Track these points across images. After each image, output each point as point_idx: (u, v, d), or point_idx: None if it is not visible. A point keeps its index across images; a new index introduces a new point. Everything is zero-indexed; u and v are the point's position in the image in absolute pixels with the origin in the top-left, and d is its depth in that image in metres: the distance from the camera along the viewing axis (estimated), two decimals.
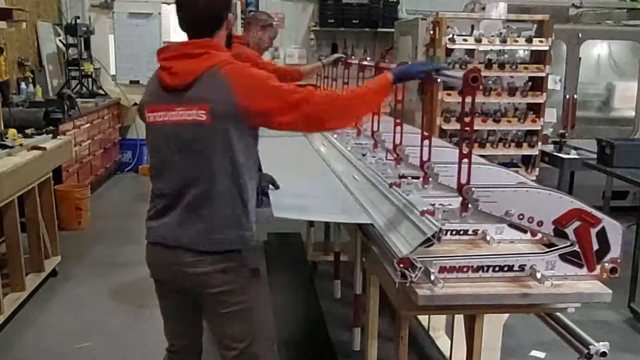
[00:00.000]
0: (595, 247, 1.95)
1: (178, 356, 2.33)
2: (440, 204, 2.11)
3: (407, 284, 1.89)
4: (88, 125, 6.62)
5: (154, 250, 2.15)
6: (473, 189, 1.93)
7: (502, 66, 4.84)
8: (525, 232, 2.20)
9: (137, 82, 8.09)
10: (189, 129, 2.02)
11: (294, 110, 2.01)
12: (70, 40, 7.50)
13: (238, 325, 2.17)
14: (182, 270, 2.09)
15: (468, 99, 1.92)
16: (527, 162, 5.17)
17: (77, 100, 6.30)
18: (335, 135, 3.73)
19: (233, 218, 2.06)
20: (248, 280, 2.16)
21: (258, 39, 4.38)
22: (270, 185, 2.67)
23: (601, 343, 1.92)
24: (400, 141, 2.73)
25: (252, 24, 4.47)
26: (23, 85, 6.25)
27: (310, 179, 3.13)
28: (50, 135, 4.50)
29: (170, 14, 8.60)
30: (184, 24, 2.10)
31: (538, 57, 4.91)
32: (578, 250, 1.94)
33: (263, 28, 4.43)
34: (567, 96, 6.05)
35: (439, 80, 2.20)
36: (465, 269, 1.92)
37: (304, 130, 2.28)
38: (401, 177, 2.52)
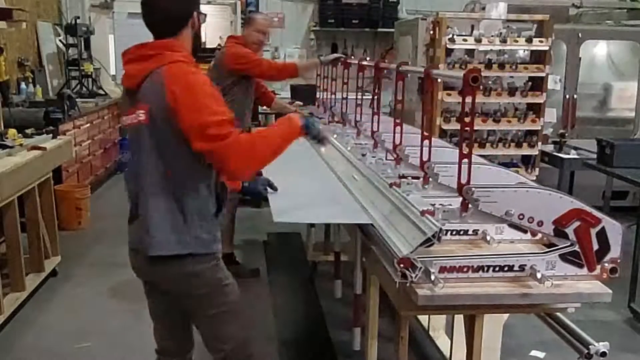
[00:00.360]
0: (595, 247, 1.95)
1: (166, 358, 2.36)
2: (440, 204, 2.11)
3: (407, 284, 1.89)
4: (88, 125, 6.61)
5: (130, 255, 2.21)
6: (473, 189, 1.93)
7: (502, 66, 4.84)
8: (525, 232, 2.20)
9: None
10: (136, 130, 2.04)
11: (208, 141, 1.93)
12: (70, 40, 7.50)
13: (221, 329, 2.19)
14: (152, 274, 2.16)
15: (468, 99, 1.93)
16: (527, 162, 5.17)
17: (77, 100, 6.30)
18: (335, 135, 3.73)
19: (168, 222, 2.03)
20: (218, 285, 2.15)
21: (255, 38, 4.42)
22: (269, 188, 2.66)
23: (601, 343, 1.92)
24: (400, 141, 2.73)
25: (247, 23, 4.58)
26: (23, 85, 6.25)
27: (310, 179, 3.13)
28: (50, 135, 4.50)
29: None
30: (147, 25, 2.09)
31: (538, 57, 4.91)
32: (578, 250, 1.94)
33: (250, 26, 4.48)
34: (567, 96, 6.05)
35: None
36: (465, 269, 1.92)
37: (216, 167, 2.08)
38: (401, 177, 2.52)
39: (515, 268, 1.95)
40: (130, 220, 2.17)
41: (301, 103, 5.16)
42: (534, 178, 4.69)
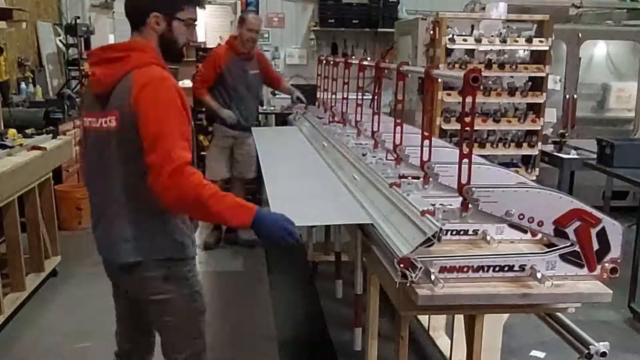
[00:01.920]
0: (596, 247, 1.95)
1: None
2: (441, 204, 2.11)
3: (408, 284, 1.89)
4: None
5: (103, 260, 2.22)
6: (473, 189, 1.93)
7: (502, 66, 4.84)
8: (525, 232, 2.20)
9: None
10: (103, 135, 1.99)
11: (161, 160, 1.86)
12: (70, 40, 7.50)
13: (172, 336, 2.19)
14: (116, 278, 2.21)
15: (468, 99, 1.92)
16: (527, 162, 5.17)
17: (77, 100, 6.30)
18: (335, 135, 3.73)
19: (130, 230, 2.02)
20: (178, 293, 2.12)
21: (248, 37, 4.95)
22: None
23: (601, 343, 1.92)
24: (401, 141, 2.73)
25: (239, 23, 5.09)
26: (23, 85, 6.25)
27: (310, 179, 3.13)
28: (50, 135, 4.50)
29: None
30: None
31: (538, 57, 4.91)
32: (578, 250, 1.94)
33: (242, 26, 4.99)
34: (567, 96, 6.05)
35: None
36: (465, 269, 1.92)
37: (151, 183, 1.90)
38: (401, 177, 2.52)
39: (516, 268, 1.95)
40: (94, 227, 2.16)
41: (304, 105, 5.18)
42: (534, 178, 4.69)
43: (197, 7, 2.11)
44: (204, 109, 5.61)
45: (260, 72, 5.16)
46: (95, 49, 2.10)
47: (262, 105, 5.75)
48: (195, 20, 2.11)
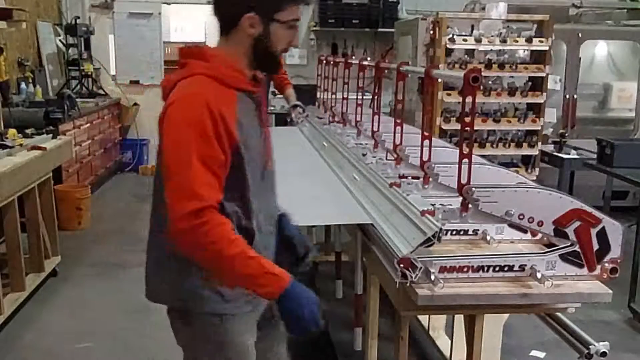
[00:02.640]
0: (596, 247, 1.95)
1: None
2: (441, 204, 2.11)
3: (408, 284, 1.89)
4: (88, 125, 6.61)
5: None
6: (473, 189, 1.93)
7: (502, 66, 4.84)
8: (525, 232, 2.20)
9: (137, 82, 8.10)
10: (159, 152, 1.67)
11: (175, 197, 1.53)
12: (70, 40, 7.50)
13: None
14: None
15: (468, 99, 1.92)
16: (527, 162, 5.17)
17: (77, 100, 6.30)
18: (335, 135, 3.73)
19: (163, 267, 1.74)
20: (216, 345, 1.77)
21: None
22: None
23: (601, 343, 1.92)
24: (401, 141, 2.74)
25: None
26: (23, 85, 6.24)
27: (310, 179, 3.13)
28: (50, 135, 4.50)
29: (170, 14, 8.60)
30: None
31: (538, 57, 4.91)
32: (578, 250, 1.95)
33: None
34: (567, 96, 6.05)
35: None
36: (465, 269, 1.92)
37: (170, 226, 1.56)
38: (401, 177, 2.52)
39: (516, 268, 1.95)
40: None
41: (302, 111, 5.09)
42: (534, 178, 4.69)
43: (302, 5, 1.72)
44: None
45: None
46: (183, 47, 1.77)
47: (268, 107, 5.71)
48: (299, 20, 1.71)
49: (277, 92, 5.50)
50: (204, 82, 1.61)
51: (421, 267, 1.87)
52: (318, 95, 5.24)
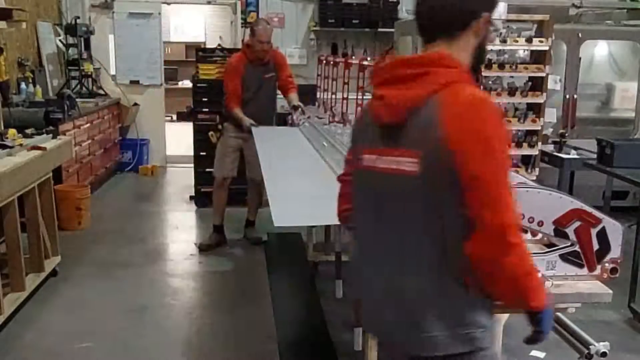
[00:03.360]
0: (596, 247, 1.95)
1: None
2: None
3: None
4: (88, 125, 6.61)
5: (379, 349, 1.79)
6: None
7: (502, 66, 4.83)
8: (525, 232, 2.19)
9: (137, 82, 8.11)
10: (391, 182, 1.54)
11: (488, 215, 1.42)
12: (70, 40, 7.50)
13: None
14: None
15: None
16: (527, 162, 5.16)
17: (77, 100, 6.30)
18: (336, 135, 3.73)
19: (440, 311, 1.54)
20: None
21: (259, 47, 4.87)
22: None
23: (601, 343, 1.92)
24: None
25: (251, 33, 5.01)
26: (23, 85, 6.25)
27: (310, 179, 3.13)
28: (50, 135, 4.50)
29: (170, 14, 8.60)
30: (417, 24, 1.62)
31: (538, 57, 4.90)
32: (578, 250, 1.95)
33: (253, 37, 4.92)
34: (567, 96, 6.05)
35: None
36: None
37: (479, 253, 1.46)
38: None
39: None
40: (365, 303, 1.70)
41: (303, 113, 5.09)
42: (534, 178, 4.69)
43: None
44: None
45: (276, 74, 5.10)
46: (382, 64, 1.61)
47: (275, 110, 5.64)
48: None
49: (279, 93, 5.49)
50: (474, 90, 1.54)
51: None
52: (318, 95, 5.24)
